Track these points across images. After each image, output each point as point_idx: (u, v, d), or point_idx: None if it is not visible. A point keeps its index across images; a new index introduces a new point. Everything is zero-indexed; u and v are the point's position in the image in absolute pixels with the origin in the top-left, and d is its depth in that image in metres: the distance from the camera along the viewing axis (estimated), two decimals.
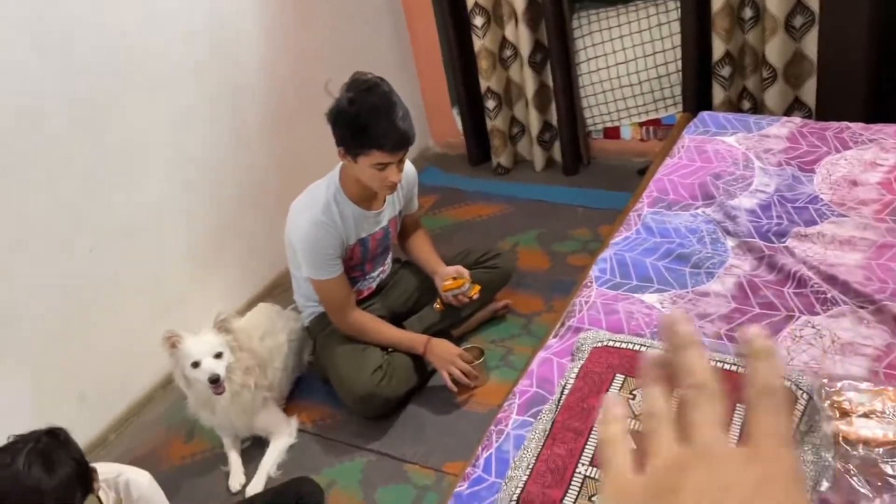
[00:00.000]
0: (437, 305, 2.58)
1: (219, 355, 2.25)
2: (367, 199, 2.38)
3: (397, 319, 2.62)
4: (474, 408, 2.37)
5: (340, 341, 2.47)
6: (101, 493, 1.53)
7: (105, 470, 1.64)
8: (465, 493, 1.31)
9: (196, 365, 2.22)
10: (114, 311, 2.60)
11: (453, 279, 2.50)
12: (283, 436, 2.42)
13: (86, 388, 2.57)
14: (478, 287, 2.53)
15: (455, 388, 2.36)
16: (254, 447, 2.45)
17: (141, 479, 1.71)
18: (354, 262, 2.48)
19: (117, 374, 2.65)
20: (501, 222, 3.28)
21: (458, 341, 2.57)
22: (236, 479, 2.32)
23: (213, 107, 2.84)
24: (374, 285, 2.65)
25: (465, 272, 2.51)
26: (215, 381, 2.19)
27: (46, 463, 1.38)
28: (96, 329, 2.56)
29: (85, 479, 1.45)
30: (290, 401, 2.60)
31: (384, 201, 2.45)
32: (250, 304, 2.94)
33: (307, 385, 2.67)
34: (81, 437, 2.49)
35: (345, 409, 2.46)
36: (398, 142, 2.16)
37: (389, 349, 2.46)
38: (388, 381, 2.36)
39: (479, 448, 1.43)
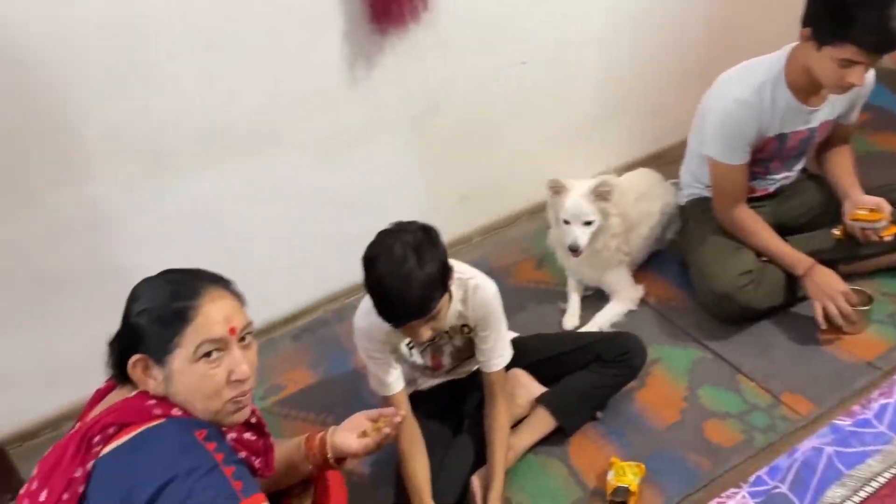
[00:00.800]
0: (836, 232, 2.28)
1: (589, 223, 2.29)
2: (808, 92, 2.12)
3: (783, 232, 2.39)
4: (837, 353, 2.13)
5: (714, 231, 2.35)
6: (452, 288, 1.66)
7: (461, 269, 1.78)
8: (846, 427, 1.20)
9: (566, 223, 2.29)
10: (517, 130, 2.75)
11: (870, 210, 2.17)
12: (625, 299, 2.43)
13: (469, 193, 2.83)
14: (895, 229, 2.18)
15: (824, 325, 2.12)
16: (594, 298, 2.52)
17: (488, 287, 1.81)
18: (763, 156, 2.27)
19: (497, 188, 2.87)
20: None
21: (844, 279, 2.29)
22: (570, 320, 2.42)
23: None
24: (772, 188, 2.42)
25: (888, 207, 2.17)
26: (574, 249, 2.27)
27: (419, 256, 1.52)
28: (495, 140, 2.76)
29: (445, 279, 1.58)
30: (642, 270, 2.58)
31: (824, 100, 2.16)
32: (629, 167, 2.92)
33: (663, 261, 2.63)
34: (453, 230, 2.82)
35: (695, 299, 2.38)
36: (883, 43, 1.84)
37: (763, 258, 2.28)
38: (753, 289, 2.20)
39: (876, 393, 1.27)
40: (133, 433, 1.11)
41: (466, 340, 1.91)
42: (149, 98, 2.05)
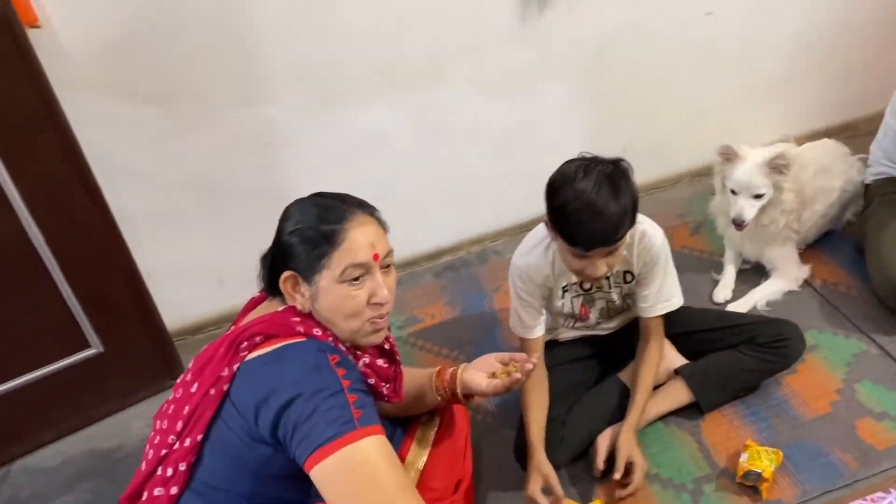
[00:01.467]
0: None
1: (758, 196, 2.13)
2: None
3: None
4: None
5: None
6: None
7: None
8: None
9: (733, 192, 2.14)
10: (691, 87, 2.61)
11: None
12: (787, 278, 2.27)
13: (631, 147, 2.71)
14: None
15: None
16: (751, 273, 2.37)
17: (656, 234, 1.76)
18: None
19: (662, 146, 2.74)
20: None
21: None
22: (723, 293, 2.30)
23: None
24: None
25: None
26: (738, 223, 2.13)
27: (614, 188, 1.49)
28: (666, 96, 2.63)
29: (634, 213, 1.54)
30: (811, 249, 2.39)
31: None
32: (812, 137, 2.68)
33: (836, 243, 2.41)
34: None
35: (868, 287, 2.18)
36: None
37: None
38: None
39: None
40: (276, 345, 1.19)
41: (621, 297, 1.87)
42: (330, 31, 2.13)
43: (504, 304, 2.43)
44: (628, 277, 1.83)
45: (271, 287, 1.29)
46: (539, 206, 2.48)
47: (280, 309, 1.26)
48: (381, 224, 1.30)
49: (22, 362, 2.01)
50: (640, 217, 1.75)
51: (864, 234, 2.24)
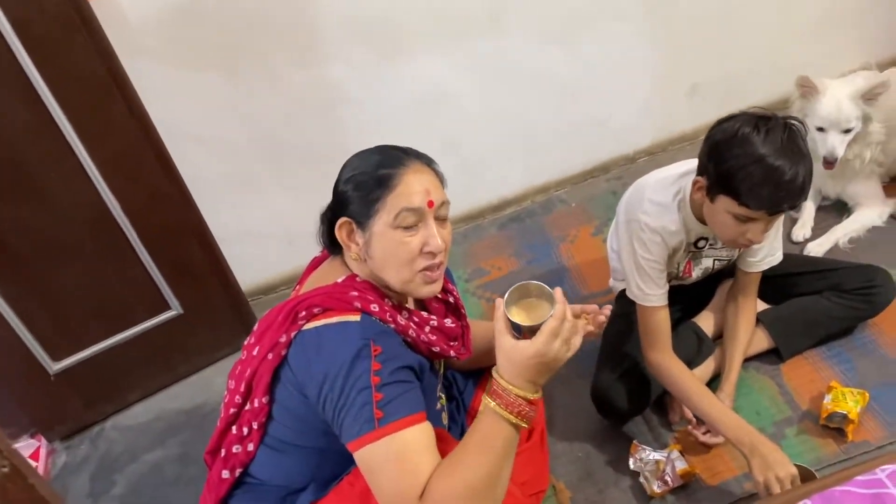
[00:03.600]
0: None
1: (848, 130, 2.00)
2: None
3: None
4: None
5: None
6: None
7: None
8: None
9: (820, 130, 2.02)
10: (762, 17, 2.48)
11: None
12: (871, 213, 2.16)
13: (700, 84, 2.62)
14: None
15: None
16: (832, 209, 2.27)
17: None
18: None
19: (732, 81, 2.62)
20: None
21: None
22: (802, 230, 2.21)
23: None
24: None
25: None
26: (831, 161, 2.01)
27: (797, 150, 1.40)
28: (736, 28, 2.50)
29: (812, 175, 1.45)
30: None
31: None
32: (893, 63, 2.51)
33: None
34: (675, 126, 2.66)
35: None
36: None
37: None
38: None
39: None
40: (331, 320, 1.21)
41: (731, 257, 1.79)
42: None
43: (570, 252, 2.40)
44: None
45: (331, 243, 1.30)
46: (605, 152, 2.44)
47: (341, 279, 1.27)
48: (439, 175, 1.28)
49: (108, 326, 2.11)
50: None
51: None
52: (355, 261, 1.28)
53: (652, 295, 1.66)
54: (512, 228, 2.60)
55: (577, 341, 1.18)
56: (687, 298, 1.92)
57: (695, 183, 1.54)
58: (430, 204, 1.22)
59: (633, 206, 1.67)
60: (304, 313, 1.23)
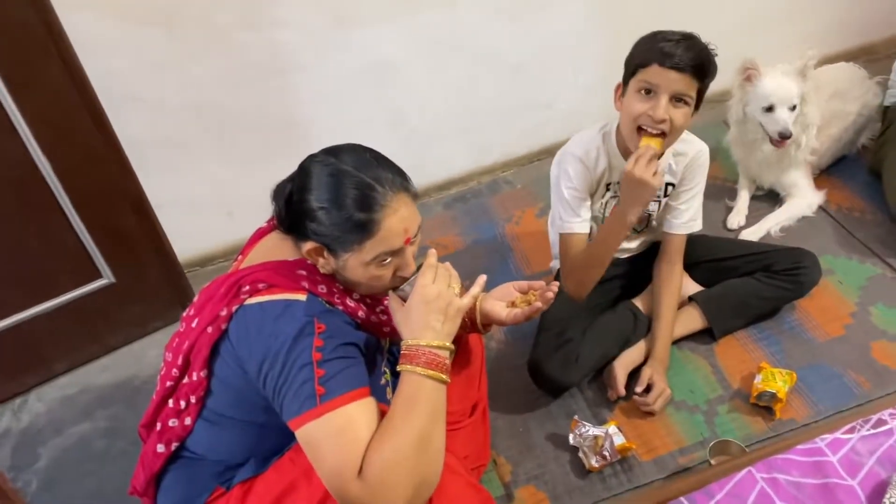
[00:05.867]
0: None
1: (793, 108, 2.08)
2: None
3: None
4: None
5: None
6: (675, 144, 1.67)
7: (684, 135, 1.74)
8: None
9: (768, 110, 2.08)
10: (706, 9, 2.53)
11: None
12: (801, 203, 2.25)
13: None
14: None
15: None
16: (765, 199, 2.36)
17: (705, 150, 1.81)
18: None
19: None
20: None
21: None
22: (736, 218, 2.29)
23: None
24: None
25: None
26: (786, 136, 2.06)
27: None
28: (682, 17, 2.54)
29: (712, 76, 1.63)
30: (825, 174, 2.37)
31: None
32: (830, 60, 2.61)
33: (850, 168, 2.40)
34: None
35: (885, 212, 2.16)
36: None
37: None
38: None
39: None
40: (275, 296, 1.18)
41: (657, 209, 1.86)
42: None
43: (516, 232, 2.42)
44: (669, 189, 1.83)
45: (288, 229, 1.26)
46: (550, 135, 2.47)
47: (292, 259, 1.25)
48: (415, 196, 1.24)
49: (32, 293, 2.00)
50: (690, 135, 1.79)
51: (882, 157, 2.22)
52: (321, 269, 1.25)
53: (572, 222, 1.77)
54: (457, 208, 2.60)
55: (476, 290, 1.28)
56: (626, 279, 1.98)
57: (616, 90, 1.67)
58: (408, 241, 1.21)
59: (562, 151, 1.80)
60: (247, 287, 1.20)
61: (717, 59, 2.35)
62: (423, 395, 1.14)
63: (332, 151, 1.22)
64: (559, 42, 2.46)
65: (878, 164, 2.24)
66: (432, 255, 1.23)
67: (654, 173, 1.57)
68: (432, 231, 2.49)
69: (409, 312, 1.20)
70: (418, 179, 2.44)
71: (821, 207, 2.27)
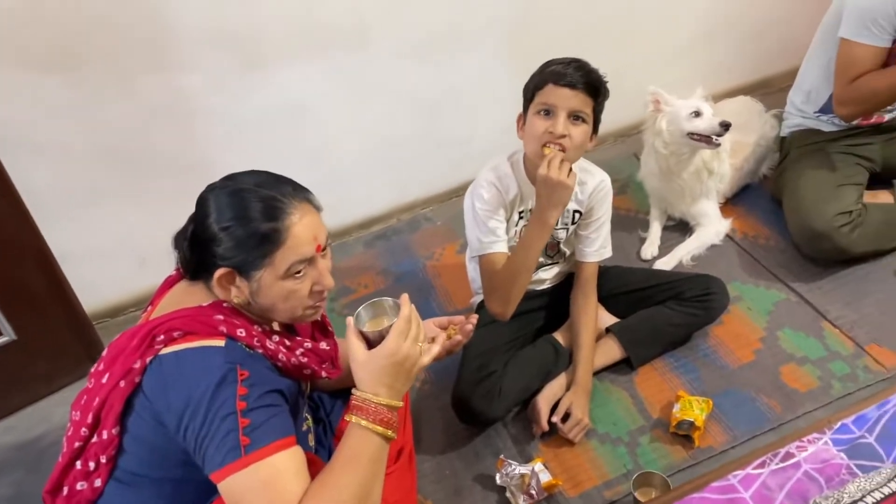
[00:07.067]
0: None
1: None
2: None
3: (890, 175, 2.25)
4: None
5: (816, 166, 2.21)
6: (575, 171, 1.69)
7: (583, 164, 1.85)
8: None
9: (697, 114, 2.15)
10: (611, 48, 2.62)
11: None
12: (710, 232, 2.34)
13: None
14: None
15: None
16: (676, 228, 2.44)
17: (607, 181, 1.89)
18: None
19: None
20: None
21: None
22: (650, 249, 2.35)
23: None
24: (886, 117, 2.25)
25: None
26: (727, 126, 2.10)
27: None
28: (587, 57, 2.65)
29: (605, 97, 1.71)
30: (730, 204, 2.47)
31: None
32: (729, 94, 2.75)
33: (754, 197, 2.51)
34: None
35: (786, 238, 2.27)
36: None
37: (861, 202, 2.14)
38: (848, 231, 2.08)
39: None
40: (192, 344, 1.14)
41: (566, 236, 1.91)
42: None
43: (438, 269, 2.42)
44: (576, 217, 1.87)
45: (195, 272, 1.22)
46: (469, 171, 2.49)
47: (206, 304, 1.20)
48: (319, 208, 1.23)
49: None
50: (594, 167, 1.88)
51: (782, 185, 2.33)
52: (235, 300, 1.21)
53: (491, 242, 1.79)
54: (378, 246, 2.58)
55: (435, 349, 1.24)
56: (545, 312, 2.01)
57: (518, 121, 1.75)
58: (319, 248, 1.19)
59: (474, 182, 1.85)
60: (162, 337, 1.15)
61: (622, 93, 2.45)
62: (369, 451, 1.14)
63: (230, 176, 1.22)
64: (471, 80, 2.50)
65: (778, 192, 2.35)
66: (406, 303, 1.20)
67: (568, 174, 1.63)
68: (354, 270, 2.47)
69: (372, 363, 1.16)
70: (338, 219, 2.44)
71: (728, 235, 2.36)
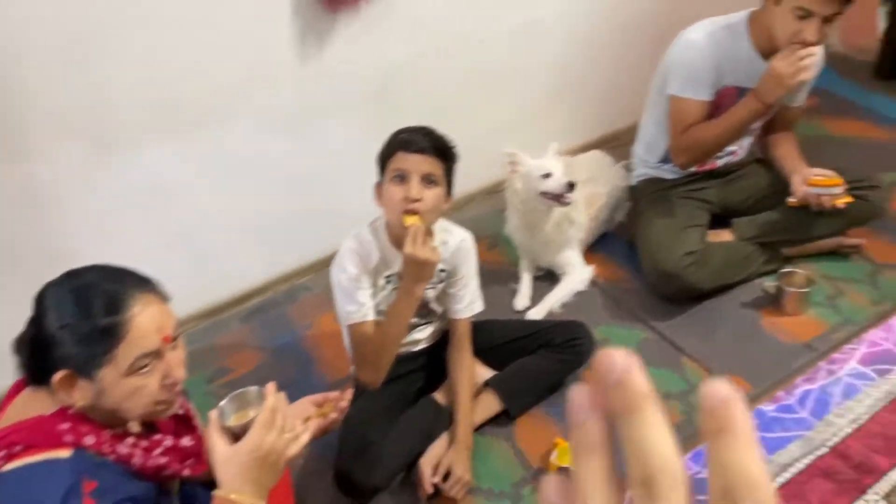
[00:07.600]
0: (791, 200, 2.26)
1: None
2: (770, 54, 2.09)
3: (728, 215, 2.45)
4: (777, 334, 2.19)
5: (662, 213, 2.39)
6: (436, 231, 1.79)
7: (445, 224, 1.93)
8: (769, 413, 1.23)
9: (548, 176, 2.27)
10: (470, 111, 2.75)
11: (825, 177, 2.20)
12: (575, 279, 2.46)
13: None
14: (849, 199, 2.21)
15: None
16: (544, 280, 2.54)
17: (468, 239, 1.96)
18: (719, 111, 2.23)
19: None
20: (888, 153, 2.81)
21: (785, 262, 2.35)
22: (522, 301, 2.44)
23: None
24: (719, 163, 2.47)
25: (839, 178, 2.19)
26: (572, 186, 2.21)
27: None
28: (449, 121, 2.74)
29: (453, 157, 1.82)
30: (591, 251, 2.62)
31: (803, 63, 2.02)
32: (582, 149, 2.94)
33: (611, 243, 2.66)
34: None
35: (642, 280, 2.42)
36: None
37: (704, 241, 2.33)
38: (695, 269, 2.25)
39: (800, 379, 1.31)
40: (35, 458, 1.08)
41: (435, 295, 1.94)
42: (95, 75, 1.99)
43: (317, 341, 2.41)
44: (443, 275, 1.92)
45: (34, 377, 1.17)
46: (344, 238, 2.49)
47: (50, 413, 1.14)
48: (165, 298, 1.20)
49: None
50: (455, 226, 1.95)
51: (634, 231, 2.50)
52: (80, 403, 1.15)
53: (356, 311, 1.81)
54: (255, 320, 2.54)
55: (304, 437, 1.22)
56: (423, 373, 2.04)
57: (376, 189, 1.83)
58: (166, 339, 1.15)
59: (339, 252, 1.88)
60: (3, 452, 1.09)
61: (485, 154, 2.57)
62: None
63: (69, 273, 1.17)
64: (341, 152, 2.54)
65: (632, 238, 2.51)
66: (272, 392, 1.17)
67: (433, 249, 1.69)
68: (230, 349, 2.41)
69: (235, 460, 1.12)
70: (212, 296, 2.37)
71: (592, 281, 2.49)
